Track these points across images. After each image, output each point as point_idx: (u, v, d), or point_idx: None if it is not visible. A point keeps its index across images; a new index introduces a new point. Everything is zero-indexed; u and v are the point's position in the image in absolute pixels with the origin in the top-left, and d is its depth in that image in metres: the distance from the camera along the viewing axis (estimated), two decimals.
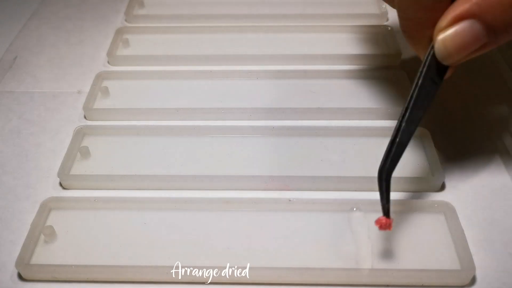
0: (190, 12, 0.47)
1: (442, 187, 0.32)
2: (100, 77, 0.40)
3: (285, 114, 0.36)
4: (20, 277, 0.28)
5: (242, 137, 0.35)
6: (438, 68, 0.26)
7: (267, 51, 0.42)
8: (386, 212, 0.27)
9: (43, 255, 0.28)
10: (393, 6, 0.30)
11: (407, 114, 0.26)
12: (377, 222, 0.27)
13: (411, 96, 0.26)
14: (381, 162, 0.27)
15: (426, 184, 0.31)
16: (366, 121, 0.36)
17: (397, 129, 0.26)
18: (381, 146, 0.33)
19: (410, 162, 0.33)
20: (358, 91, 0.38)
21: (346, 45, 0.42)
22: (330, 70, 0.40)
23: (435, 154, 0.33)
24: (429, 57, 0.26)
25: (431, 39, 0.26)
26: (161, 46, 0.43)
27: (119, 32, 0.44)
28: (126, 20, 0.46)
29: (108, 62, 0.42)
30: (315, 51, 0.42)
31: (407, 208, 0.30)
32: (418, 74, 0.26)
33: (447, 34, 0.25)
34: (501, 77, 0.39)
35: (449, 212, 0.30)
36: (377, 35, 0.43)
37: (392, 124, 0.35)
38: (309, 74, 0.39)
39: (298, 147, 0.34)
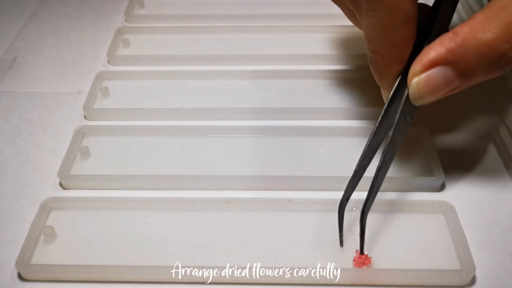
0: (190, 12, 0.47)
1: (442, 187, 0.32)
2: (100, 77, 0.40)
3: (285, 114, 0.36)
4: (20, 277, 0.28)
5: (242, 137, 0.35)
6: (411, 108, 0.27)
7: (267, 51, 0.42)
8: (362, 249, 0.27)
9: (43, 255, 0.28)
10: (360, 28, 0.31)
11: (383, 154, 0.27)
12: (356, 263, 0.27)
13: (384, 140, 0.27)
14: (341, 196, 0.28)
15: (426, 184, 0.31)
16: (366, 121, 0.36)
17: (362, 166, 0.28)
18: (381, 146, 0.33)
19: (410, 162, 0.33)
20: (358, 91, 0.38)
21: (347, 45, 0.42)
22: (330, 70, 0.40)
23: (435, 154, 0.33)
24: (404, 99, 0.27)
25: (397, 74, 0.27)
26: (161, 46, 0.43)
27: (119, 32, 0.44)
28: (126, 20, 0.46)
29: (108, 62, 0.42)
30: (315, 51, 0.42)
31: (407, 208, 0.30)
32: (383, 112, 0.27)
33: (421, 79, 0.25)
34: (501, 77, 0.39)
35: (449, 212, 0.30)
36: None
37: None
38: (309, 74, 0.40)
39: (298, 147, 0.34)
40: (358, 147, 0.34)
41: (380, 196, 0.28)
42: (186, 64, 0.41)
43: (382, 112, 0.28)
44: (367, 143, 0.28)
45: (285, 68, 0.40)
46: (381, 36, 0.26)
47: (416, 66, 0.25)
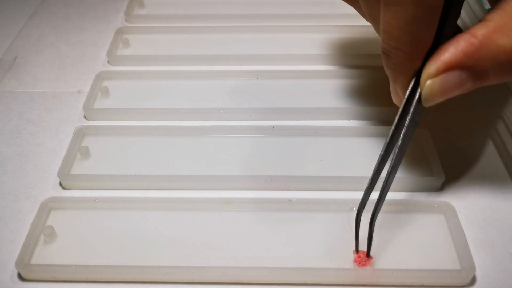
0: (190, 12, 0.47)
1: (442, 187, 0.32)
2: (100, 77, 0.40)
3: (285, 114, 0.36)
4: (20, 277, 0.28)
5: (242, 137, 0.35)
6: (420, 109, 0.26)
7: (267, 51, 0.42)
8: (368, 252, 0.27)
9: (43, 255, 0.28)
10: (377, 31, 0.30)
11: (393, 158, 0.26)
12: (359, 261, 0.27)
13: (397, 141, 0.26)
14: (358, 204, 0.27)
15: (426, 184, 0.31)
16: (366, 121, 0.36)
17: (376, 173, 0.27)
18: (381, 146, 0.33)
19: (410, 162, 0.33)
20: (357, 91, 0.38)
21: (347, 45, 0.42)
22: (330, 70, 0.40)
23: (435, 154, 0.33)
24: (415, 100, 0.26)
25: (416, 71, 0.26)
26: (161, 46, 0.43)
27: (119, 32, 0.44)
28: (126, 20, 0.46)
29: (108, 62, 0.42)
30: (315, 51, 0.42)
31: (407, 208, 0.30)
32: (400, 112, 0.26)
33: (435, 81, 0.24)
34: None
35: (449, 212, 0.30)
36: (376, 35, 0.43)
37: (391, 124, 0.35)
38: (309, 74, 0.40)
39: (298, 147, 0.34)
40: (358, 147, 0.34)
41: None
42: (186, 64, 0.41)
43: (399, 112, 0.26)
44: (383, 147, 0.27)
45: (285, 68, 0.40)
46: (405, 31, 0.24)
47: (430, 67, 0.24)
